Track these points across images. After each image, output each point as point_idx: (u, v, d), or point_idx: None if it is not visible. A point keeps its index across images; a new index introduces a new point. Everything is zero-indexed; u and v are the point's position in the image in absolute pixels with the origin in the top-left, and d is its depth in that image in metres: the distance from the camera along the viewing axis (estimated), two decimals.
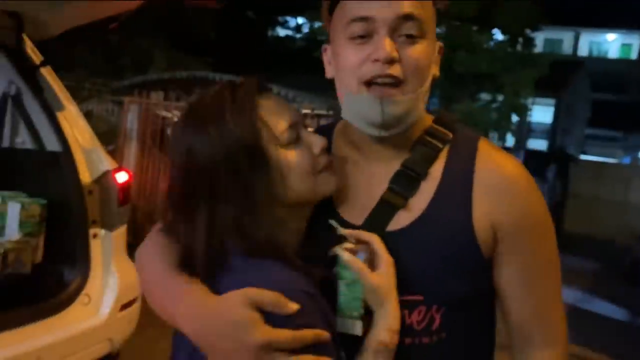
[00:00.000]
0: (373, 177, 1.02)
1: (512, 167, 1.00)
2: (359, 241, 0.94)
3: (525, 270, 0.99)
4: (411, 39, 0.94)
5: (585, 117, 26.32)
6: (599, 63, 29.23)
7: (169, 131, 6.42)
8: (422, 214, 0.97)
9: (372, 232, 0.95)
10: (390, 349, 0.89)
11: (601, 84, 27.41)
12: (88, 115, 8.06)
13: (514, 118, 14.09)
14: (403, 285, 0.93)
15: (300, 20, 20.32)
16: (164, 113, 6.22)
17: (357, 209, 1.00)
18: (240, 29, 16.90)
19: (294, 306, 0.80)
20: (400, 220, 0.97)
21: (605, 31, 32.22)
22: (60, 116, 2.66)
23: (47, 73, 2.70)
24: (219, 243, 0.89)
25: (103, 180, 2.65)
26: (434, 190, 0.98)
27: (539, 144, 22.24)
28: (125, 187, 2.74)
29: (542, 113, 22.09)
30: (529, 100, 14.87)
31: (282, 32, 21.37)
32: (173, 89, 6.24)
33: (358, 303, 0.90)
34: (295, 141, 0.94)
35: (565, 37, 31.78)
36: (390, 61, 0.91)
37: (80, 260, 2.55)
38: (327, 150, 1.00)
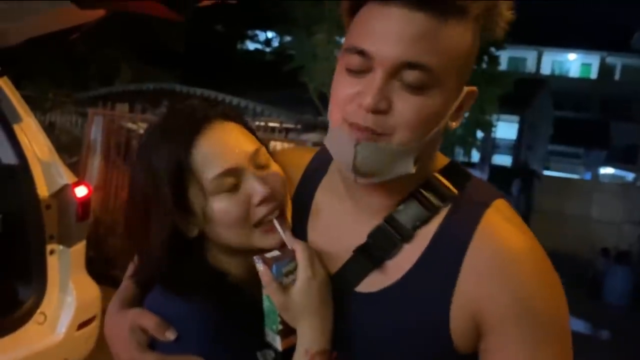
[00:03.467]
0: (355, 225, 0.87)
1: (515, 242, 0.78)
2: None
3: None
4: (414, 89, 0.75)
5: (548, 134, 26.98)
6: (560, 81, 30.09)
7: (134, 143, 6.31)
8: (396, 282, 0.82)
9: (341, 288, 0.83)
10: None
11: (563, 101, 28.23)
12: (51, 127, 7.91)
13: (479, 134, 14.36)
14: (358, 354, 0.83)
15: (269, 34, 20.36)
16: (129, 125, 6.12)
17: (332, 258, 0.87)
18: (209, 42, 16.84)
19: (170, 334, 0.86)
20: (373, 282, 0.83)
21: (567, 51, 33.21)
22: (17, 128, 2.59)
23: (3, 84, 2.62)
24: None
25: (62, 194, 2.58)
26: (418, 257, 0.82)
27: (503, 160, 22.71)
28: (85, 201, 2.66)
29: (506, 129, 22.56)
30: (494, 117, 15.18)
31: (251, 45, 21.37)
32: (139, 101, 6.16)
33: (275, 317, 0.83)
34: (229, 189, 0.86)
35: (528, 56, 32.63)
36: (375, 112, 0.74)
37: (36, 277, 2.47)
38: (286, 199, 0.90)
